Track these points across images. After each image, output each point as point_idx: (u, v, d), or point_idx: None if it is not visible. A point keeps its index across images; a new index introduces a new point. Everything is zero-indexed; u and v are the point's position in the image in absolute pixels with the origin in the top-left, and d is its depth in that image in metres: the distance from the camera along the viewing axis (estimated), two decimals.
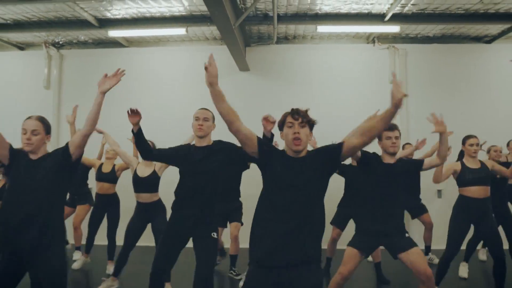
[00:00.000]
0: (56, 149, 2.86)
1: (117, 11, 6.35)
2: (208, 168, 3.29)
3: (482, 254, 5.92)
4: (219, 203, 3.57)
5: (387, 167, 3.51)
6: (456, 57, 7.55)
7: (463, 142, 4.47)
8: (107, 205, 5.45)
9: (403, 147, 5.87)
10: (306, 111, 2.56)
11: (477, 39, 7.57)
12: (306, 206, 2.37)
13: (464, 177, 4.32)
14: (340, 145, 2.48)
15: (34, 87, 7.91)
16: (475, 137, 4.45)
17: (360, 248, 3.46)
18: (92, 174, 5.84)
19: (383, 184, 3.47)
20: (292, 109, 2.54)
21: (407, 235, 3.46)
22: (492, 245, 4.24)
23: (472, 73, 7.51)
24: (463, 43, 7.58)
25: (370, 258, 5.65)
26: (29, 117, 2.83)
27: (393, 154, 3.54)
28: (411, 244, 3.37)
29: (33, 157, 2.76)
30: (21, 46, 8.08)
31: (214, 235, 3.32)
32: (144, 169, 4.63)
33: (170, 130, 6.72)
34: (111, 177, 5.45)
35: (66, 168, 2.76)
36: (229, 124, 2.49)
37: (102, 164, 5.57)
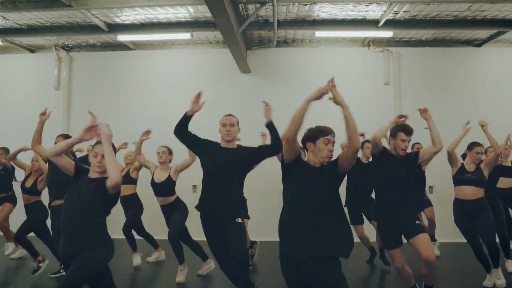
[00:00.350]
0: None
1: (126, 17, 6.73)
2: (232, 169, 3.70)
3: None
4: None
5: (399, 160, 3.89)
6: (447, 60, 7.94)
7: (470, 148, 4.77)
8: (128, 206, 5.75)
9: (413, 147, 6.14)
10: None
11: (467, 42, 7.96)
12: (323, 206, 2.71)
13: (459, 176, 4.69)
14: (335, 161, 2.84)
15: (44, 88, 8.27)
16: (482, 146, 4.79)
17: (392, 246, 3.88)
18: None
19: (397, 176, 3.85)
20: (328, 128, 2.87)
21: (417, 222, 3.86)
22: (486, 235, 4.59)
23: (463, 75, 7.89)
24: (454, 46, 7.98)
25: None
26: (99, 143, 3.08)
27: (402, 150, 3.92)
28: (420, 230, 3.77)
29: (90, 175, 3.11)
30: (31, 49, 8.44)
31: (239, 220, 3.72)
32: (160, 174, 5.08)
33: (173, 130, 7.10)
34: (127, 179, 5.74)
35: (105, 197, 3.04)
36: (295, 133, 2.78)
37: (122, 169, 5.95)
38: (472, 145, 4.78)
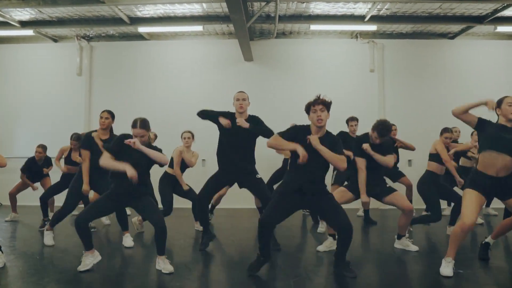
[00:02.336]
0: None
1: (147, 11, 7.74)
2: (245, 132, 4.62)
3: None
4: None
5: (376, 146, 4.66)
6: (425, 50, 9.10)
7: (441, 133, 5.79)
8: None
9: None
10: (325, 100, 3.70)
11: (443, 35, 9.10)
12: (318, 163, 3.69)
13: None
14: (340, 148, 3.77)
15: (67, 74, 9.23)
16: (451, 132, 5.82)
17: (351, 191, 4.73)
18: None
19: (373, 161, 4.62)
20: (316, 100, 3.68)
21: (388, 185, 4.72)
22: (449, 198, 5.83)
23: (439, 64, 9.05)
24: (431, 38, 9.12)
25: (360, 213, 7.28)
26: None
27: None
28: (392, 190, 4.64)
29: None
30: (55, 39, 9.37)
31: (258, 175, 4.76)
32: (190, 158, 6.07)
33: (184, 113, 8.13)
34: None
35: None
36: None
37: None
38: (443, 131, 5.80)
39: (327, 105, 3.72)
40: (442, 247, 4.95)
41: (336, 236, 4.05)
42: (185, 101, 8.79)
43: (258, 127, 4.67)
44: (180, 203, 6.32)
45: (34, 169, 6.87)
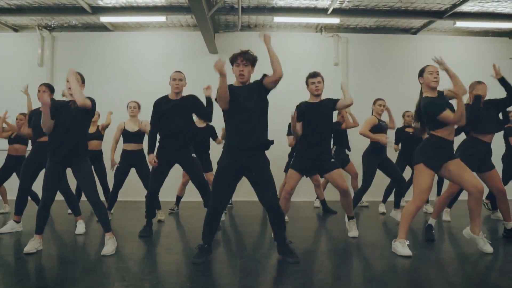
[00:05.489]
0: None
1: (109, 0, 7.62)
2: (181, 113, 4.72)
3: (382, 207, 6.74)
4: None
5: (314, 105, 4.53)
6: (388, 45, 9.26)
7: (374, 103, 6.03)
8: (95, 160, 6.30)
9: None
10: (249, 54, 3.72)
11: (405, 30, 9.27)
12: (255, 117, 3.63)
13: (379, 127, 5.84)
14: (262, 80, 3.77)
15: (29, 64, 9.00)
16: (383, 100, 6.04)
17: (299, 170, 4.53)
18: None
19: (314, 119, 4.48)
20: (240, 54, 3.77)
21: (332, 160, 4.52)
22: (391, 174, 5.86)
23: (401, 58, 9.21)
24: (394, 33, 9.29)
25: (317, 204, 7.26)
26: None
27: (317, 96, 4.55)
28: (335, 166, 4.46)
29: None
30: (15, 28, 9.15)
31: (193, 155, 4.83)
32: (133, 126, 6.03)
33: (148, 105, 7.98)
34: (98, 136, 6.65)
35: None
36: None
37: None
38: (375, 101, 6.06)
39: (251, 60, 3.78)
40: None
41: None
42: (150, 93, 8.57)
43: (197, 109, 4.88)
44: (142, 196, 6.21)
45: None
